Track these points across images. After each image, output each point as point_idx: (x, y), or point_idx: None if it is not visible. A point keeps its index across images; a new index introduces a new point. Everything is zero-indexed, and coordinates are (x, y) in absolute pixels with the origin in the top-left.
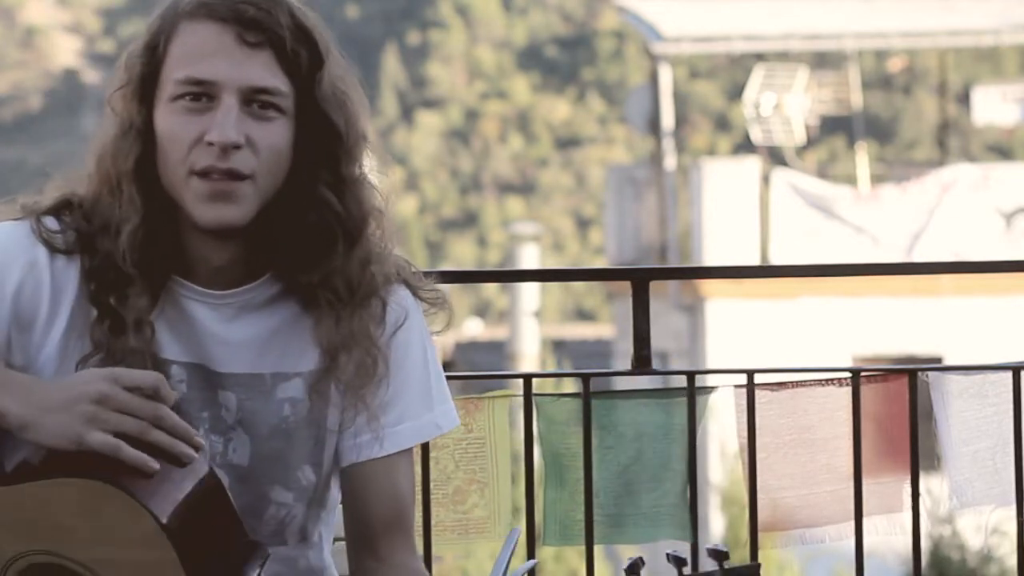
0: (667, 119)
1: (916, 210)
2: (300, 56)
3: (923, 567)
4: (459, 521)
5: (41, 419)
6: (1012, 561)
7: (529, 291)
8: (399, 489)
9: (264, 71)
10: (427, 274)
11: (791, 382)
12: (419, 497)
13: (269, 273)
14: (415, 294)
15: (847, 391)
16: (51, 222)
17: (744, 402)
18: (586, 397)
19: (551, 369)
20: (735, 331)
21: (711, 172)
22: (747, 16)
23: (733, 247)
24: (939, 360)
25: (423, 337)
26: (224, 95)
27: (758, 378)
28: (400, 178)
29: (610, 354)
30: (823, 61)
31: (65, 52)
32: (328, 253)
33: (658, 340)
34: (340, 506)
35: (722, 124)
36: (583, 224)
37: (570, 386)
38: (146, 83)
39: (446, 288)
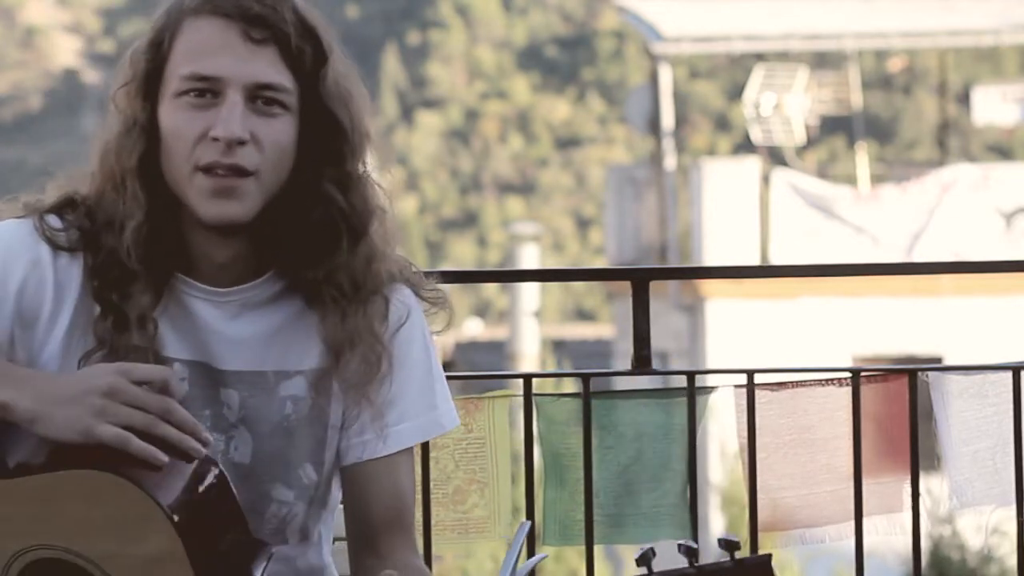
0: (667, 119)
1: (916, 210)
2: (304, 53)
3: (923, 567)
4: (459, 521)
5: (50, 412)
6: (1012, 561)
7: (529, 291)
8: (400, 487)
9: (269, 67)
10: (427, 274)
11: (791, 382)
12: (419, 497)
13: (272, 270)
14: (416, 293)
15: (847, 391)
16: (54, 220)
17: (744, 402)
18: (586, 397)
19: (551, 369)
20: (735, 331)
21: (711, 172)
22: (747, 16)
23: (733, 247)
24: (939, 360)
25: (425, 336)
26: (229, 91)
27: (758, 378)
28: (400, 178)
29: (610, 354)
30: (823, 61)
31: (65, 52)
32: (333, 249)
33: (658, 340)
34: (340, 506)
35: (722, 124)
36: (583, 224)
37: (570, 386)
38: (150, 80)
39: (446, 288)
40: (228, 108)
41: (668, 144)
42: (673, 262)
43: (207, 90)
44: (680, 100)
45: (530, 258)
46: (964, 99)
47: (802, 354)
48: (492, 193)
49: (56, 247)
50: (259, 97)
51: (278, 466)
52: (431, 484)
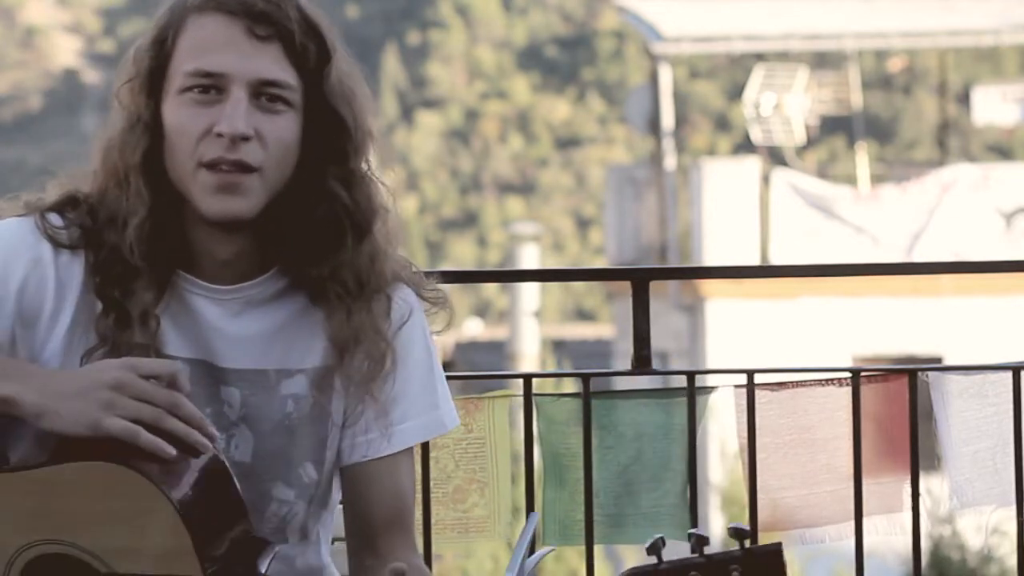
0: (667, 119)
1: (916, 210)
2: (308, 50)
3: (923, 567)
4: (459, 520)
5: (58, 406)
6: (1012, 561)
7: (529, 291)
8: (401, 487)
9: (273, 64)
10: (427, 274)
11: (791, 382)
12: (419, 496)
13: (275, 268)
14: (417, 293)
15: (847, 391)
16: (55, 218)
17: (744, 402)
18: (586, 397)
19: (551, 369)
20: (735, 331)
21: (711, 172)
22: (747, 16)
23: (733, 247)
24: (939, 360)
25: (426, 335)
26: (233, 87)
27: (758, 378)
28: (400, 178)
29: (610, 354)
30: (823, 61)
31: (65, 52)
32: (337, 247)
33: (658, 340)
34: (339, 506)
35: (722, 124)
36: (583, 224)
37: (570, 386)
38: (154, 76)
39: (446, 288)
40: (232, 104)
41: (668, 144)
42: (673, 262)
43: (211, 86)
44: (680, 100)
45: (530, 258)
46: (964, 99)
47: (802, 354)
48: (492, 193)
49: (57, 245)
50: (263, 94)
51: (279, 465)
52: (431, 483)
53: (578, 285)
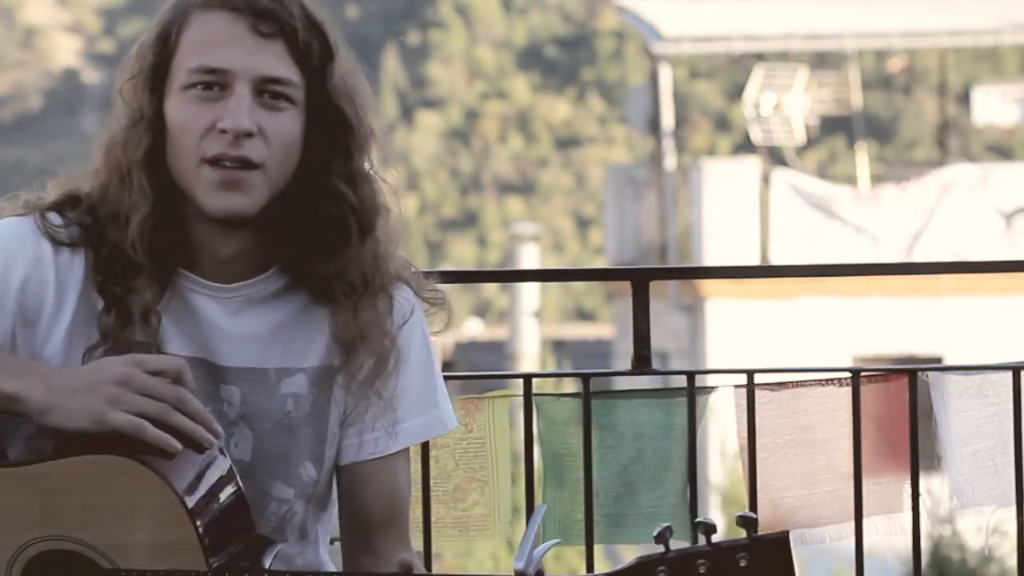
0: (667, 119)
1: (916, 210)
2: (312, 48)
3: (923, 567)
4: (459, 519)
5: (63, 402)
6: (1012, 561)
7: (529, 291)
8: (398, 485)
9: (276, 61)
10: (427, 274)
11: (791, 382)
12: (419, 494)
13: (276, 266)
14: (416, 293)
15: (847, 391)
16: (55, 217)
17: (744, 402)
18: (586, 397)
19: (551, 369)
20: (735, 331)
21: (711, 172)
22: (747, 16)
23: (733, 247)
24: (939, 360)
25: (426, 335)
26: (237, 84)
27: (758, 378)
28: (400, 178)
29: (610, 354)
30: (823, 61)
31: (65, 52)
32: (342, 245)
33: (658, 340)
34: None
35: (722, 124)
36: (583, 224)
37: (570, 386)
38: (157, 73)
39: (446, 288)
40: (236, 100)
41: (668, 144)
42: (673, 262)
43: (215, 83)
44: (680, 100)
45: (530, 258)
46: (964, 99)
47: (802, 354)
48: (492, 193)
49: (57, 244)
50: (266, 91)
51: (278, 464)
52: (431, 482)
53: (578, 285)
